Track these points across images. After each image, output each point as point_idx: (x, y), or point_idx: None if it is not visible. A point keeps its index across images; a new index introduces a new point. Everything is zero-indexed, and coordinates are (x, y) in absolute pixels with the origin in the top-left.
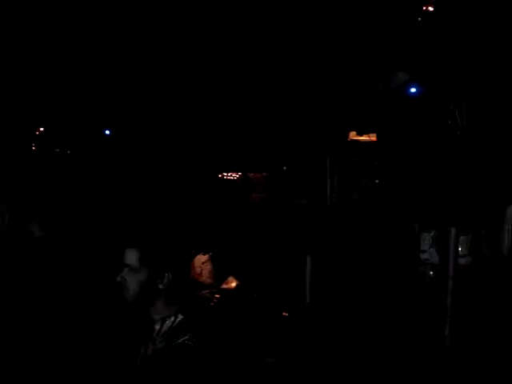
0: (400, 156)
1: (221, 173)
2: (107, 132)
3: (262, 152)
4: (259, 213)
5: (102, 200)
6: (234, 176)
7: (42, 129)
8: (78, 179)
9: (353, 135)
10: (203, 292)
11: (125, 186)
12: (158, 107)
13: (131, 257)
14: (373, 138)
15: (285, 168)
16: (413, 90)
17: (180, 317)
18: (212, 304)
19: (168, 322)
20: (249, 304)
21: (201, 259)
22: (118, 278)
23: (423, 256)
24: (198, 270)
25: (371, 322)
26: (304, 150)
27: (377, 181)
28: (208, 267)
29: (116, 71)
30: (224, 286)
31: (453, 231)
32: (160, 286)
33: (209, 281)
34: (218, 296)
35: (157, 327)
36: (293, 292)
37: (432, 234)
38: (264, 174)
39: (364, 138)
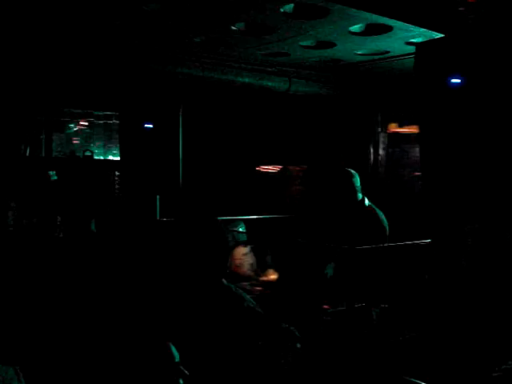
0: (443, 148)
1: (259, 166)
2: (149, 126)
3: (301, 144)
4: (299, 205)
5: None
6: (273, 169)
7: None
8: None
9: (393, 127)
10: (243, 284)
11: (170, 178)
12: (196, 99)
13: None
14: (414, 129)
15: (324, 160)
16: (456, 80)
17: None
18: (252, 296)
19: None
20: (289, 296)
21: (241, 251)
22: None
23: None
24: (238, 261)
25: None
26: (343, 143)
27: (418, 173)
28: (248, 259)
29: (156, 65)
30: (264, 279)
31: None
32: None
33: (249, 273)
34: (258, 288)
35: None
36: (335, 285)
37: None
38: (302, 166)
39: (405, 129)
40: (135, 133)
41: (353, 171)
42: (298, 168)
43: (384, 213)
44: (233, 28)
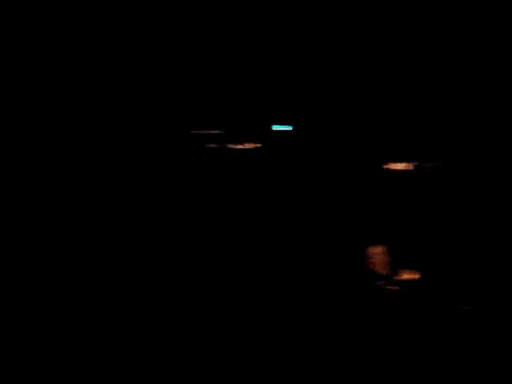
0: None
1: (388, 163)
2: (287, 127)
3: (435, 140)
4: (433, 203)
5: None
6: (404, 166)
7: (216, 130)
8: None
9: None
10: (379, 283)
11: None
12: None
13: None
14: None
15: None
16: None
17: None
18: (388, 295)
19: None
20: (427, 296)
21: (376, 250)
22: None
23: None
24: (373, 260)
25: None
26: (480, 138)
27: None
28: (384, 258)
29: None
30: (400, 278)
31: None
32: None
33: (385, 272)
34: (394, 288)
35: None
36: (476, 285)
37: None
38: (436, 163)
39: None
40: None
41: None
42: (430, 165)
43: None
44: None
